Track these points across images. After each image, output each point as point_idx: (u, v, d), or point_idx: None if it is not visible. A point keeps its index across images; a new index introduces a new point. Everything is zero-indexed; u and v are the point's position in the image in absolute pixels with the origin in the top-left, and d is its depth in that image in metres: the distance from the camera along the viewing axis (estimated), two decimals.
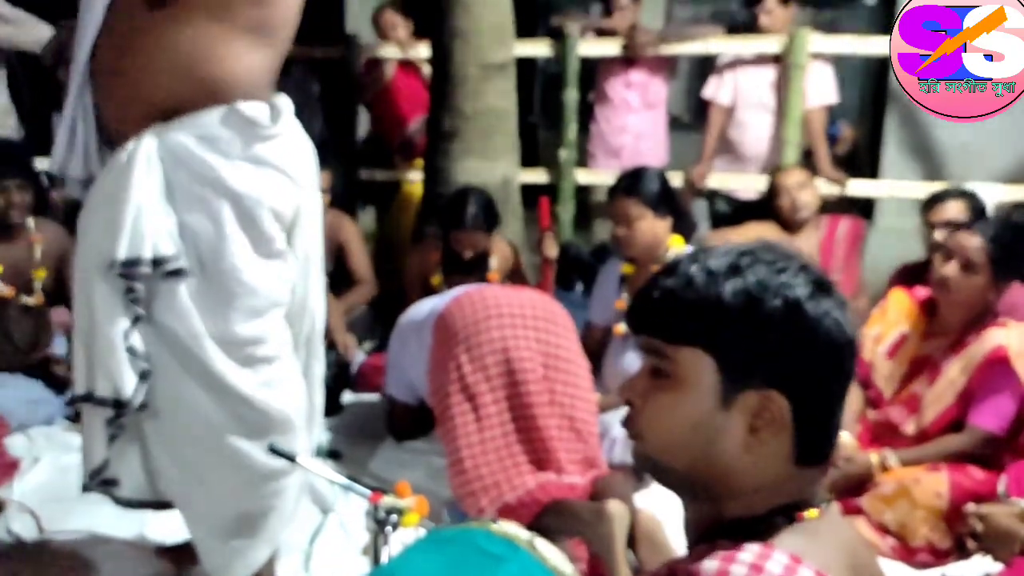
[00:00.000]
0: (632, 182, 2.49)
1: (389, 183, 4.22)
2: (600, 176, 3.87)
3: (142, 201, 1.41)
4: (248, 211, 1.45)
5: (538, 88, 7.67)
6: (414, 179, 4.01)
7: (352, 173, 4.15)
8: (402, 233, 3.92)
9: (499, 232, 3.02)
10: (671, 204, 2.53)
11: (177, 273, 1.43)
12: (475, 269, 2.87)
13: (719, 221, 3.81)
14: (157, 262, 1.41)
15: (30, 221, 2.80)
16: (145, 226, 1.41)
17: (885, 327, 2.36)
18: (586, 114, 4.02)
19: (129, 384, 1.44)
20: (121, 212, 1.41)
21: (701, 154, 3.75)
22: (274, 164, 1.48)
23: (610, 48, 3.81)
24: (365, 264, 3.33)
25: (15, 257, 2.77)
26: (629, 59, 3.82)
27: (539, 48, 3.98)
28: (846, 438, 2.19)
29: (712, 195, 3.85)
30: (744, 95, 3.69)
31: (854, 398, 2.31)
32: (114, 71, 1.47)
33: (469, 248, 2.84)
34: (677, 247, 2.52)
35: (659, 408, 0.80)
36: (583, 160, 4.01)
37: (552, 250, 3.09)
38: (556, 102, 3.93)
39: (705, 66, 4.16)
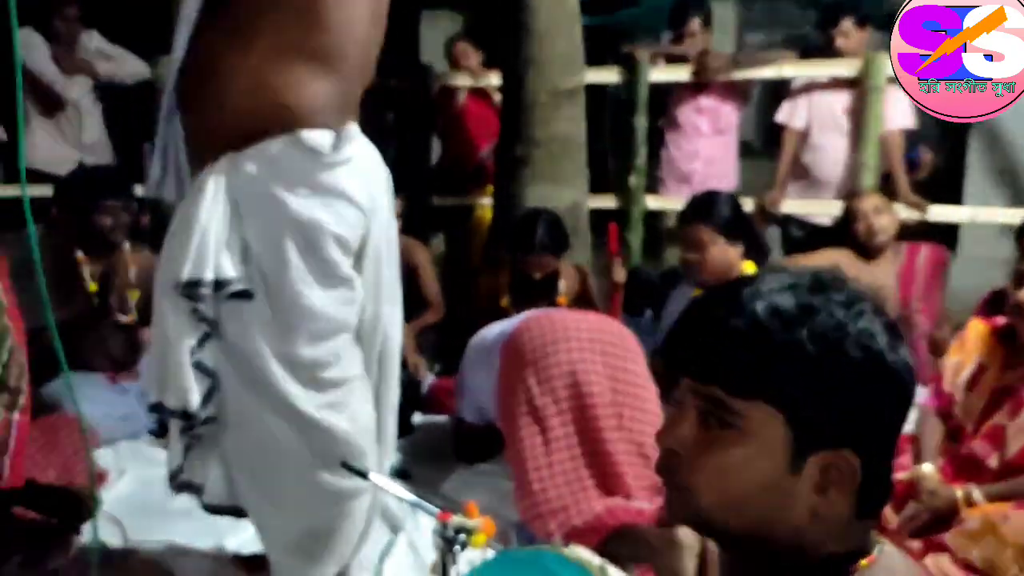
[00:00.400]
0: (704, 207, 2.48)
1: (460, 209, 4.29)
2: (669, 202, 3.85)
3: (208, 225, 1.47)
4: (310, 238, 1.48)
5: (608, 115, 7.71)
6: (485, 205, 4.07)
7: (424, 199, 4.23)
8: (472, 258, 3.98)
9: (568, 257, 3.04)
10: (743, 230, 2.51)
11: (241, 295, 1.47)
12: (544, 292, 2.88)
13: (793, 247, 3.74)
14: (219, 284, 1.46)
15: (126, 244, 2.95)
16: (209, 249, 1.46)
17: (964, 357, 2.28)
18: (655, 140, 4.02)
19: (195, 398, 1.50)
20: (189, 235, 1.47)
21: (773, 179, 3.70)
22: (338, 191, 1.49)
23: (680, 74, 3.81)
24: (435, 288, 3.39)
25: (113, 280, 2.92)
26: (700, 85, 3.81)
27: (609, 75, 4.01)
28: (929, 470, 2.11)
29: (786, 220, 3.79)
30: (819, 119, 3.64)
31: (935, 431, 2.23)
32: (193, 101, 1.54)
33: (538, 270, 2.86)
34: (750, 273, 2.49)
35: (719, 464, 0.72)
36: (652, 186, 4.00)
37: (620, 275, 3.09)
38: (626, 128, 3.94)
39: (776, 92, 4.12)
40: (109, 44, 3.97)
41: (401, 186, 3.54)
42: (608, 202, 3.94)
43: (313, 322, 1.51)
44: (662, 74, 3.86)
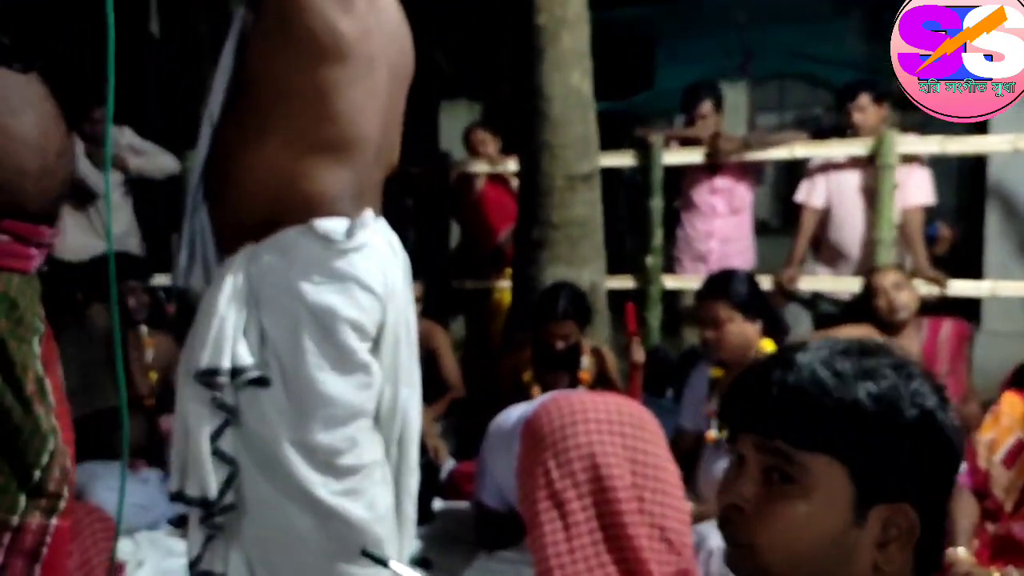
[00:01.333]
0: (721, 284, 2.49)
1: (479, 292, 4.32)
2: (687, 281, 3.87)
3: (226, 314, 1.49)
4: (325, 324, 1.48)
5: (624, 197, 7.82)
6: (503, 288, 4.10)
7: (444, 283, 4.28)
8: (492, 340, 3.99)
9: (588, 336, 3.04)
10: (761, 307, 2.51)
11: (258, 382, 1.48)
12: (567, 366, 2.89)
13: (824, 323, 3.73)
14: (236, 372, 1.47)
15: (143, 327, 3.00)
16: (226, 337, 1.48)
17: (1000, 434, 2.23)
18: (671, 221, 4.07)
19: (213, 485, 1.49)
20: (208, 324, 1.49)
21: (790, 257, 3.71)
22: (352, 277, 1.50)
23: (693, 156, 3.89)
24: (455, 371, 3.40)
25: (131, 357, 2.96)
26: (714, 166, 3.87)
27: (623, 159, 4.09)
28: (963, 554, 2.04)
29: (816, 297, 3.79)
30: (838, 197, 3.67)
31: (971, 510, 2.16)
32: (216, 193, 1.58)
33: (561, 339, 2.87)
34: (769, 351, 2.48)
35: (783, 519, 0.73)
36: (669, 266, 4.03)
37: (640, 355, 3.08)
38: (641, 210, 3.99)
39: (791, 171, 4.17)
40: (140, 139, 4.12)
41: (420, 271, 3.59)
42: (626, 283, 3.96)
43: (329, 408, 1.50)
44: (676, 157, 3.93)
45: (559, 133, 3.39)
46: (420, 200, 4.71)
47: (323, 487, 1.51)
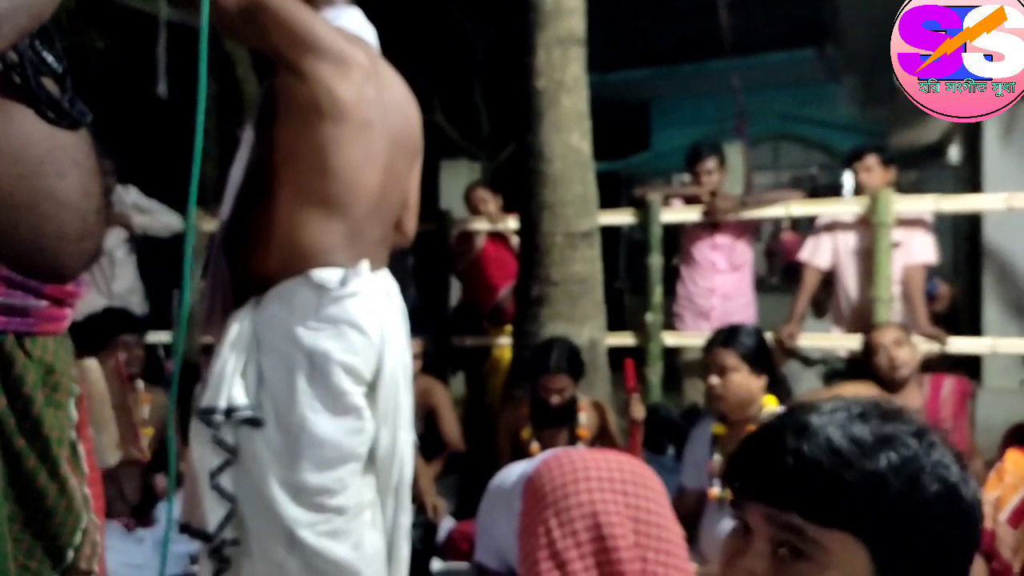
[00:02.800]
0: (729, 335, 2.51)
1: (480, 349, 4.32)
2: (687, 338, 3.88)
3: (228, 358, 1.58)
4: (319, 365, 1.56)
5: (623, 254, 7.88)
6: (503, 345, 4.11)
7: (444, 340, 4.28)
8: (492, 397, 3.97)
9: (587, 393, 3.03)
10: (767, 363, 2.51)
11: (252, 422, 1.55)
12: (564, 421, 2.88)
13: (833, 380, 3.73)
14: (230, 411, 1.55)
15: (140, 383, 2.99)
16: (224, 379, 1.56)
17: (1005, 492, 2.20)
18: (670, 278, 4.10)
19: (212, 520, 1.55)
20: (213, 367, 1.59)
21: (791, 314, 3.73)
22: (346, 321, 1.58)
23: (690, 215, 3.93)
24: (455, 429, 3.38)
25: (125, 414, 2.94)
26: (714, 223, 3.92)
27: (623, 217, 4.13)
28: None
29: (824, 356, 3.81)
30: (842, 256, 3.71)
31: (978, 571, 2.13)
32: (233, 248, 1.67)
33: (555, 393, 2.87)
34: (771, 407, 2.47)
35: None
36: (669, 323, 4.04)
37: (639, 412, 3.07)
38: (641, 267, 4.02)
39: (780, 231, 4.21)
40: (145, 198, 4.18)
41: (421, 327, 3.60)
42: (626, 340, 3.97)
43: (319, 449, 1.56)
44: (673, 215, 3.98)
45: (559, 192, 3.43)
46: (421, 257, 4.74)
47: (308, 527, 1.55)
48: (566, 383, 2.90)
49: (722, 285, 3.97)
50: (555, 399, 2.88)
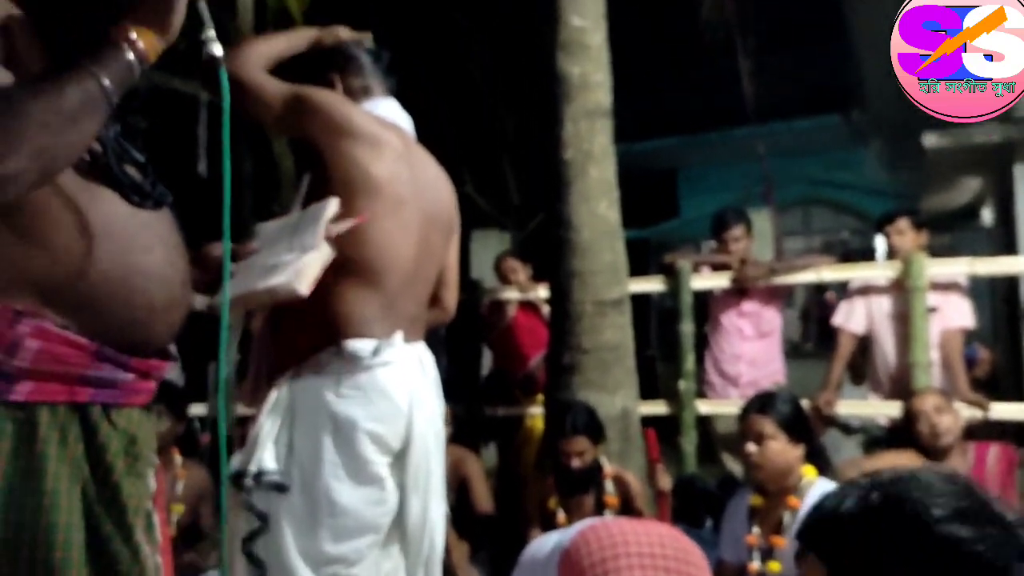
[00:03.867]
0: (765, 402, 2.46)
1: (511, 418, 4.29)
2: (721, 406, 3.82)
3: (262, 423, 1.63)
4: (345, 433, 1.59)
5: (654, 321, 7.84)
6: (535, 414, 4.08)
7: (476, 409, 4.26)
8: (524, 468, 3.92)
9: (622, 464, 2.99)
10: (804, 431, 2.46)
11: (278, 487, 1.58)
12: (588, 488, 2.83)
13: (874, 448, 3.64)
14: (259, 475, 1.58)
15: (177, 457, 2.99)
16: (257, 444, 1.61)
17: None
18: (703, 345, 4.07)
19: None
20: (250, 433, 1.63)
21: (825, 381, 3.67)
22: (376, 389, 1.62)
23: (721, 281, 3.92)
24: (487, 499, 3.33)
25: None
26: (742, 290, 3.90)
27: (652, 284, 4.14)
28: None
29: (863, 423, 3.73)
30: (877, 320, 3.67)
31: None
32: (275, 321, 1.74)
33: (575, 456, 2.84)
34: (810, 478, 2.41)
35: None
36: (702, 390, 3.99)
37: (665, 482, 3.01)
38: (672, 334, 4.00)
39: (821, 294, 4.18)
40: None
41: (452, 396, 3.58)
42: (659, 408, 3.92)
43: (339, 518, 1.57)
44: (704, 282, 3.97)
45: (588, 260, 3.45)
46: (452, 327, 4.76)
47: None
48: (585, 446, 2.86)
49: (749, 352, 3.93)
50: (575, 462, 2.84)
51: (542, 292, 4.11)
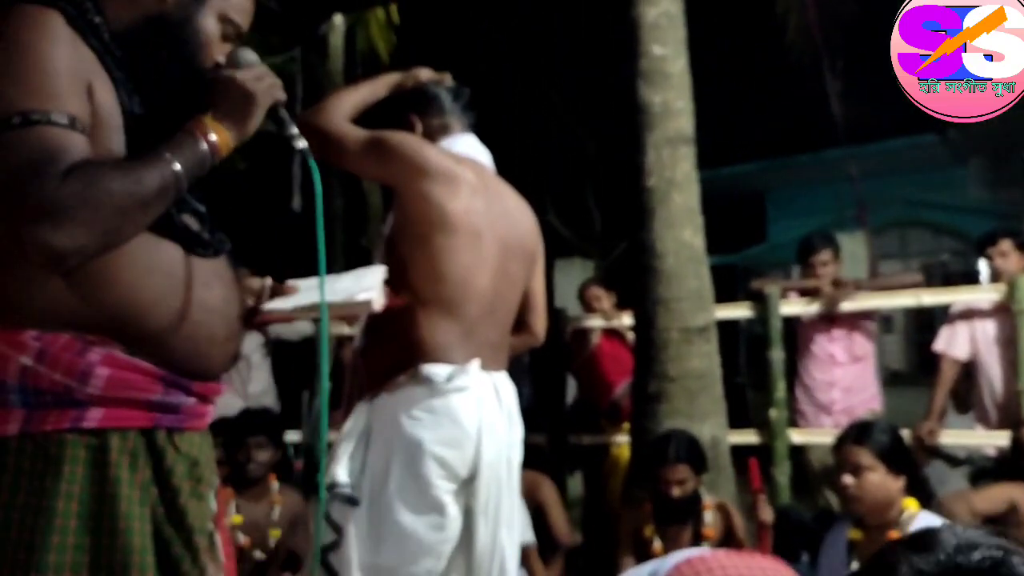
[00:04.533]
0: (861, 431, 2.38)
1: (597, 447, 4.26)
2: (815, 435, 3.69)
3: (343, 442, 1.71)
4: (412, 454, 1.65)
5: (743, 349, 7.66)
6: (621, 442, 4.03)
7: (561, 438, 4.25)
8: (611, 497, 3.88)
9: (712, 493, 2.93)
10: (905, 462, 2.35)
11: (349, 500, 1.64)
12: (687, 518, 2.78)
13: (982, 480, 3.45)
14: (332, 486, 1.66)
15: (275, 483, 3.08)
16: (336, 459, 1.69)
17: None
18: (794, 372, 3.95)
19: None
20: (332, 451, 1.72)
21: (927, 409, 3.51)
22: (447, 413, 1.67)
23: (810, 307, 3.81)
24: (564, 525, 3.31)
25: (256, 514, 3.03)
26: (831, 315, 3.78)
27: (740, 311, 4.06)
28: None
29: (969, 454, 3.54)
30: (981, 346, 3.49)
31: None
32: (366, 349, 1.83)
33: (676, 485, 2.80)
34: (912, 511, 2.30)
35: None
36: (793, 419, 3.87)
37: (767, 514, 2.92)
38: (762, 362, 3.90)
39: (921, 318, 4.01)
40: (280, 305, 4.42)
41: (536, 425, 3.57)
42: (750, 437, 3.82)
43: (400, 538, 1.63)
44: (793, 308, 3.87)
45: (673, 287, 3.42)
46: (536, 355, 4.77)
47: None
48: (687, 474, 2.81)
49: (842, 378, 3.79)
50: (676, 491, 2.80)
51: (626, 320, 4.08)
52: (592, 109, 7.14)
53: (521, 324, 1.98)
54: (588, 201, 7.58)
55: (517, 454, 1.79)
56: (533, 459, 4.05)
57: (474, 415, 1.69)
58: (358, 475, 1.67)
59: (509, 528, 1.75)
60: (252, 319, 1.47)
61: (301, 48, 5.29)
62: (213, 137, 1.17)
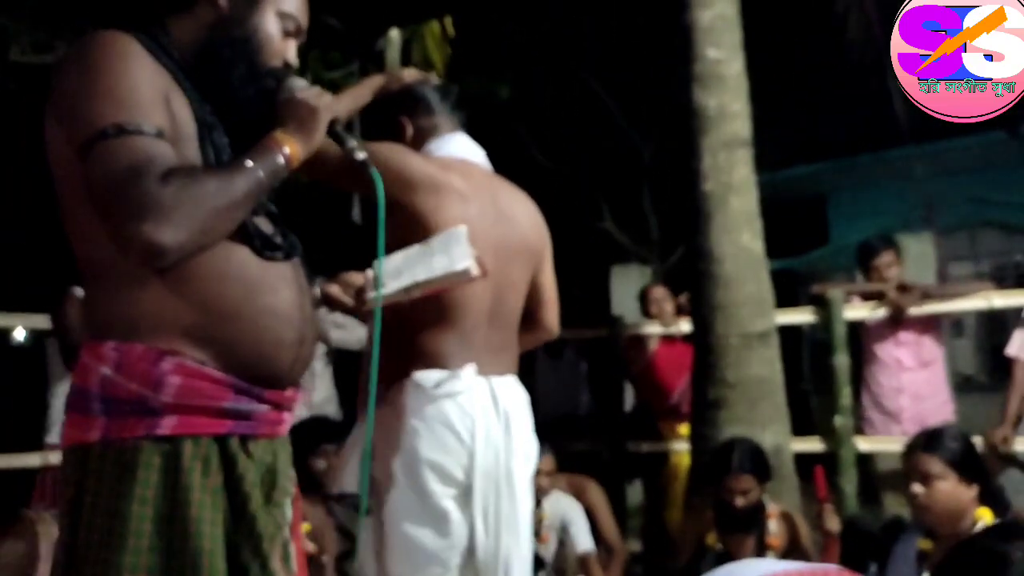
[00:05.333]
0: (931, 439, 2.31)
1: (656, 455, 4.22)
2: (882, 442, 3.60)
3: (351, 451, 1.75)
4: (409, 466, 1.66)
5: (807, 354, 7.50)
6: (680, 451, 3.99)
7: (620, 446, 4.23)
8: (671, 505, 3.84)
9: (776, 502, 2.88)
10: (977, 470, 2.28)
11: (357, 509, 1.64)
12: (751, 527, 2.74)
13: None
14: (340, 496, 1.73)
15: None
16: (344, 469, 1.74)
17: None
18: (859, 379, 3.85)
19: None
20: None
21: (1003, 416, 3.38)
22: (440, 421, 1.67)
23: (875, 311, 3.71)
24: (613, 529, 3.30)
25: (321, 519, 3.09)
26: (896, 318, 3.68)
27: (802, 316, 3.98)
28: None
29: None
30: None
31: None
32: (381, 355, 1.83)
33: (739, 494, 2.76)
34: (986, 520, 2.23)
35: None
36: (860, 426, 3.78)
37: (834, 524, 2.85)
38: (826, 368, 3.82)
39: (993, 321, 3.88)
40: (341, 315, 4.50)
41: (596, 432, 3.53)
42: (814, 445, 3.74)
43: (405, 547, 1.65)
44: (857, 312, 3.78)
45: (731, 293, 3.38)
46: (594, 362, 4.76)
47: None
48: (751, 484, 2.78)
49: (911, 384, 3.67)
50: (739, 501, 2.76)
51: (684, 326, 4.04)
52: (648, 114, 7.10)
53: (532, 319, 1.94)
54: (645, 207, 7.53)
55: (521, 462, 1.77)
56: (592, 467, 4.06)
57: (466, 420, 1.69)
58: (366, 485, 1.68)
59: (514, 535, 1.73)
60: (362, 310, 1.53)
61: (360, 63, 5.39)
62: (287, 150, 1.24)
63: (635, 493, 4.54)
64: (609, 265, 7.50)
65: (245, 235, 1.23)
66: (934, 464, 2.24)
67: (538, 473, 3.04)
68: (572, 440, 3.77)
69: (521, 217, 1.90)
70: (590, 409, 4.84)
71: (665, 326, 4.27)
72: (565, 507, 3.22)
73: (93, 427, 1.15)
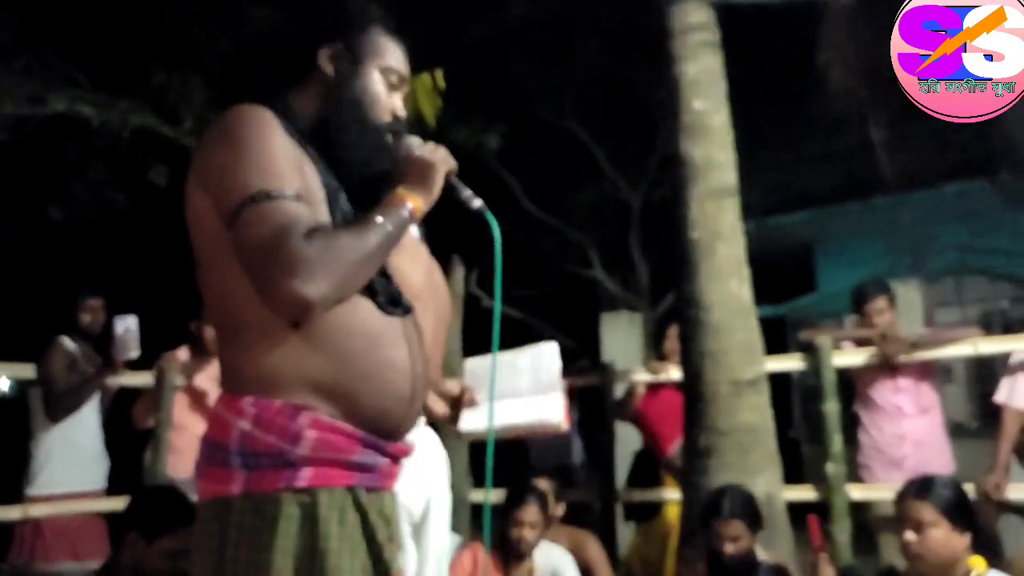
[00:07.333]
0: (922, 486, 2.30)
1: (649, 506, 4.18)
2: (876, 490, 3.58)
3: None
4: None
5: (796, 401, 7.48)
6: (673, 501, 3.95)
7: (610, 494, 4.18)
8: (664, 556, 3.78)
9: (769, 552, 2.84)
10: (970, 518, 2.27)
11: None
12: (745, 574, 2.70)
13: None
14: None
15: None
16: None
17: None
18: (850, 425, 3.84)
19: None
20: None
21: (992, 462, 3.37)
22: None
23: (864, 357, 3.72)
24: None
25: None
26: (892, 364, 3.68)
27: (791, 363, 3.98)
28: None
29: None
30: None
31: None
32: None
33: (729, 541, 2.74)
34: (980, 570, 2.21)
35: None
36: (853, 474, 3.75)
37: (828, 574, 2.81)
38: (816, 415, 3.81)
39: (981, 368, 3.89)
40: None
41: (587, 482, 3.47)
42: (807, 493, 3.71)
43: None
44: (846, 358, 3.79)
45: (720, 340, 3.39)
46: (585, 411, 4.73)
47: None
48: (741, 530, 2.75)
49: (913, 431, 3.66)
50: (729, 547, 2.73)
51: (674, 374, 4.03)
52: (635, 162, 7.20)
53: None
54: (634, 255, 7.58)
55: (448, 513, 1.89)
56: (584, 517, 4.01)
57: (421, 459, 1.72)
58: None
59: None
60: (453, 424, 1.61)
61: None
62: (411, 205, 1.32)
63: (626, 540, 4.48)
64: (598, 312, 7.51)
65: (370, 290, 1.30)
66: (927, 511, 2.23)
67: (521, 524, 3.02)
68: (565, 489, 3.73)
69: (444, 287, 2.08)
70: (583, 458, 4.80)
71: (654, 374, 4.23)
72: (557, 559, 3.17)
73: (233, 480, 1.20)
